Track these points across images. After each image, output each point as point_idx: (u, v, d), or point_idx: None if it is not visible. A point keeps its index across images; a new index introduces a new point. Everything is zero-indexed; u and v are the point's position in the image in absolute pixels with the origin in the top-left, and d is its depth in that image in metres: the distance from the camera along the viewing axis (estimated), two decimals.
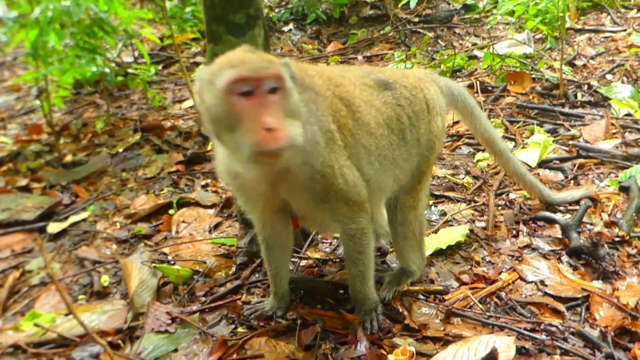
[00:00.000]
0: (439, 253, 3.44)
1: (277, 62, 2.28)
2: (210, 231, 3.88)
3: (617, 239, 3.39)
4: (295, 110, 2.25)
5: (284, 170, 2.37)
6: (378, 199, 2.98)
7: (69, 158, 5.21)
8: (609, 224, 3.56)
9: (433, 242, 3.48)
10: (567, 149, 4.61)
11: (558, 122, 5.08)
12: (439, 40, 8.08)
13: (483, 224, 3.73)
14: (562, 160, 4.42)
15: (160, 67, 8.10)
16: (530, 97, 5.69)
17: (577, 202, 3.76)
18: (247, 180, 2.52)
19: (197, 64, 7.98)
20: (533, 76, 6.06)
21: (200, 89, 2.26)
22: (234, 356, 2.71)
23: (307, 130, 2.30)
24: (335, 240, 3.62)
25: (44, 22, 4.79)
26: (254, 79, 2.13)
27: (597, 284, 3.06)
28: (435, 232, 3.64)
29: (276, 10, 9.40)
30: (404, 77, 2.98)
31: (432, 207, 3.98)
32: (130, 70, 6.88)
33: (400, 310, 2.98)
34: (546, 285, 3.08)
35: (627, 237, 3.37)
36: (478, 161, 4.60)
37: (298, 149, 2.24)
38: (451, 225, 3.74)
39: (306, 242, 3.57)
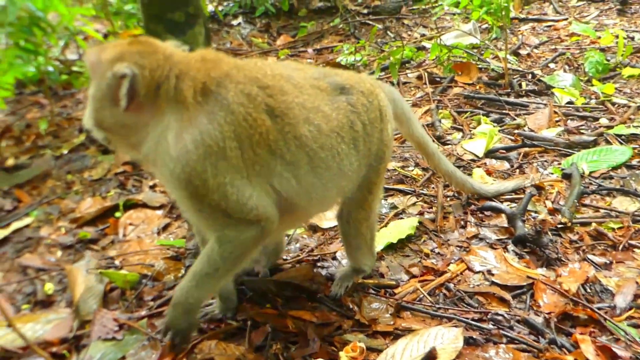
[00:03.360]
0: (389, 247, 3.47)
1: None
2: (158, 233, 3.81)
3: (559, 226, 3.49)
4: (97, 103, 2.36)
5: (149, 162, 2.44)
6: (305, 213, 2.86)
7: (10, 161, 5.02)
8: (552, 211, 3.66)
9: (384, 237, 3.50)
10: (512, 138, 4.71)
11: (504, 111, 5.18)
12: (388, 32, 8.13)
13: (432, 216, 3.78)
14: (508, 149, 4.51)
15: None
16: (477, 87, 5.79)
17: (514, 193, 3.89)
18: None
19: None
20: (480, 66, 6.16)
21: None
22: None
23: (179, 135, 2.27)
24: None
25: None
26: None
27: (541, 271, 3.14)
28: (386, 225, 3.66)
29: (224, 3, 9.27)
30: (361, 81, 2.83)
31: (383, 200, 4.00)
32: (75, 69, 6.68)
33: (351, 306, 3.00)
34: (493, 275, 3.14)
35: (569, 224, 3.47)
36: None
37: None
38: (401, 219, 3.77)
39: None
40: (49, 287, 3.29)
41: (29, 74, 5.79)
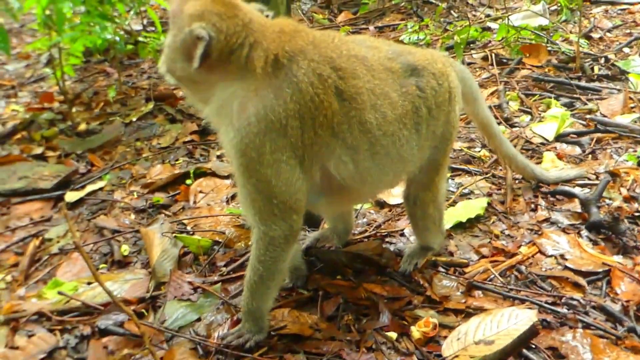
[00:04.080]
0: (457, 226, 3.45)
1: None
2: (227, 202, 3.88)
3: (636, 214, 3.39)
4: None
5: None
6: (358, 196, 2.84)
7: (82, 127, 5.19)
8: (628, 199, 3.56)
9: (452, 216, 3.48)
10: (584, 122, 4.58)
11: (575, 95, 5.03)
12: (452, 11, 7.97)
13: (501, 198, 3.72)
14: (580, 134, 4.39)
15: None
16: (546, 70, 5.63)
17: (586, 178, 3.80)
18: None
19: None
20: (549, 48, 5.98)
21: None
22: None
23: (244, 105, 2.29)
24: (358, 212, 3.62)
25: None
26: None
27: (617, 259, 3.07)
28: (453, 204, 3.64)
29: None
30: (433, 61, 2.76)
31: (450, 179, 3.97)
32: (140, 39, 6.80)
33: (421, 282, 3.00)
34: (566, 260, 3.09)
35: None
36: None
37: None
38: (469, 199, 3.74)
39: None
40: (125, 249, 3.41)
41: (98, 42, 5.91)
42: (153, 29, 7.89)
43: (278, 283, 2.64)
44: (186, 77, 2.40)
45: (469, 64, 6.05)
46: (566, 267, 3.04)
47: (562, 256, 3.13)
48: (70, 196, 4.02)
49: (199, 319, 2.84)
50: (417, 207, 3.00)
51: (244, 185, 2.40)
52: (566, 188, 3.66)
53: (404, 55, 2.72)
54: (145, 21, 8.08)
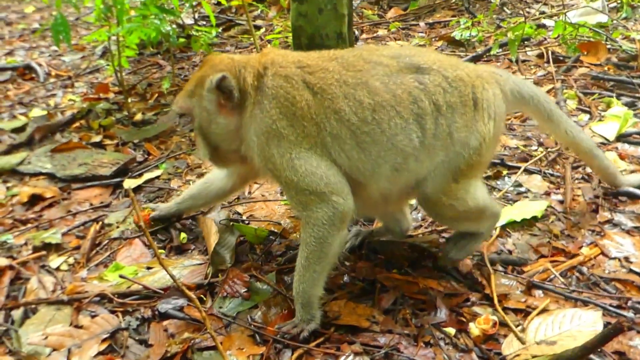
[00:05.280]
0: (515, 224, 3.38)
1: (192, 92, 2.77)
2: (281, 193, 3.90)
3: None
4: (204, 128, 2.79)
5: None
6: (372, 192, 2.72)
7: (138, 117, 5.30)
8: None
9: (507, 214, 3.41)
10: None
11: (637, 95, 4.87)
12: (505, 8, 7.82)
13: (560, 197, 3.64)
14: None
15: (220, 29, 8.10)
16: (606, 68, 5.47)
17: None
18: None
19: (257, 27, 7.95)
20: (608, 46, 5.81)
21: None
22: None
23: (250, 131, 2.65)
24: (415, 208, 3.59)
25: None
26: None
27: None
28: (511, 204, 3.57)
29: None
30: (451, 68, 2.69)
31: (506, 177, 3.90)
32: (192, 32, 6.91)
33: (479, 279, 2.96)
34: (631, 262, 3.00)
35: None
36: None
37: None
38: (526, 197, 3.67)
39: None
40: (184, 236, 3.46)
41: (152, 34, 6.02)
42: (203, 23, 8.03)
43: (325, 268, 2.66)
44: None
45: (523, 61, 5.92)
46: (631, 270, 2.96)
47: (626, 259, 3.04)
48: (129, 183, 4.11)
49: (256, 306, 2.87)
50: (429, 210, 2.88)
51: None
52: (631, 189, 3.55)
53: (410, 57, 2.71)
54: (197, 15, 8.22)
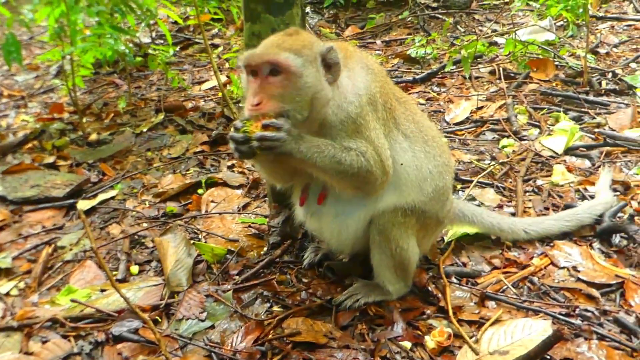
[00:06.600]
0: (468, 237, 3.46)
1: (291, 48, 2.47)
2: (239, 211, 3.89)
3: None
4: (294, 91, 2.47)
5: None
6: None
7: (93, 137, 5.23)
8: (639, 212, 3.57)
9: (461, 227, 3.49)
10: (593, 136, 4.60)
11: (583, 109, 5.06)
12: (458, 26, 8.03)
13: (512, 209, 3.74)
14: (589, 147, 4.41)
15: (177, 48, 8.08)
16: (554, 84, 5.66)
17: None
18: None
19: (215, 46, 7.96)
20: (556, 63, 6.02)
21: None
22: (271, 334, 2.74)
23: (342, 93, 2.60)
24: None
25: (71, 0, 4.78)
26: (252, 66, 2.49)
27: (630, 271, 3.07)
28: None
29: None
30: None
31: (460, 191, 3.99)
32: (149, 51, 6.87)
33: (434, 292, 3.01)
34: (579, 271, 3.09)
35: None
36: (503, 147, 4.60)
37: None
38: None
39: None
40: (134, 271, 3.40)
41: (108, 53, 5.96)
42: (161, 42, 7.99)
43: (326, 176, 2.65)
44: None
45: (476, 78, 6.09)
46: (579, 279, 3.05)
47: (574, 268, 3.13)
48: (83, 205, 4.04)
49: (212, 327, 2.85)
50: (378, 235, 2.83)
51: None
52: (577, 204, 3.66)
53: None
54: (154, 34, 8.18)
